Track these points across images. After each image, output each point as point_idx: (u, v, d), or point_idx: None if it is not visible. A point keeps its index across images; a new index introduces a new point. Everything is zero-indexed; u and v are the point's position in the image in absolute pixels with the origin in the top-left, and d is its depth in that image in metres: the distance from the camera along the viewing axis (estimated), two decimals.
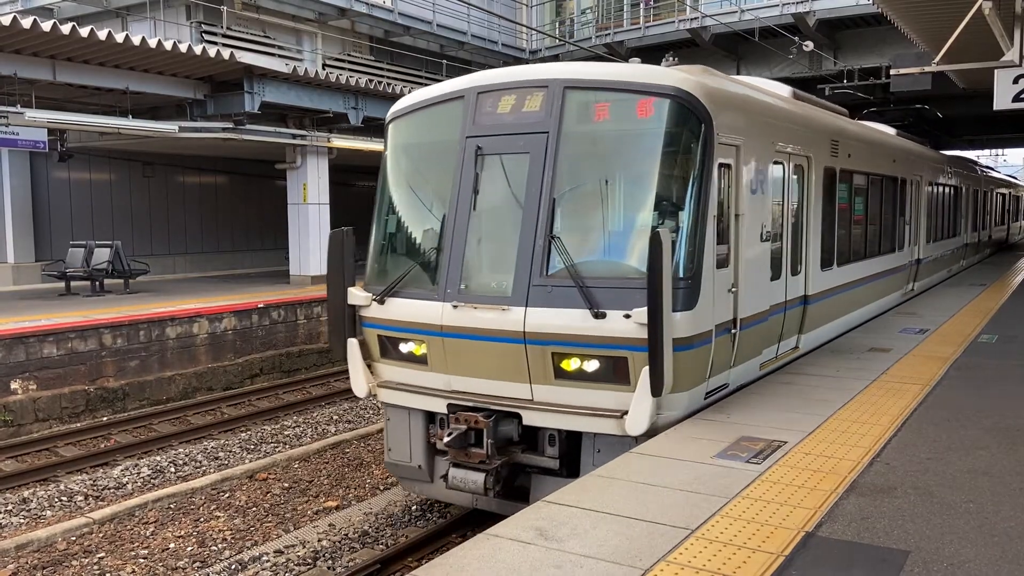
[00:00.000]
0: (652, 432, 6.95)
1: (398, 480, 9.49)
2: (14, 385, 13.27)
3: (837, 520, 5.24)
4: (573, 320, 7.02)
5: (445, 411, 7.86)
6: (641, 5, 29.20)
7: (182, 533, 9.32)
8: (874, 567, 4.58)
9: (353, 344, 8.38)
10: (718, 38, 26.87)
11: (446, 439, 7.51)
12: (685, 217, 7.21)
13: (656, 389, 6.69)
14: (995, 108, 11.25)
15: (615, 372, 7.07)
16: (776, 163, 9.12)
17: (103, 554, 8.82)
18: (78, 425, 13.72)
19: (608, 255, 7.41)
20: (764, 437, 6.98)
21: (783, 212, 9.48)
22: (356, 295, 8.23)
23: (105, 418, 14.07)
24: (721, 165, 7.63)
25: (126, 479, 11.23)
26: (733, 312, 7.98)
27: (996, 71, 11.17)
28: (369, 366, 8.49)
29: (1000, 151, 62.35)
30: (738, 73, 25.33)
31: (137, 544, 9.08)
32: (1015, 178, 45.65)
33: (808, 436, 7.03)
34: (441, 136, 8.08)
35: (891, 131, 16.91)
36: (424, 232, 8.21)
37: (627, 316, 6.82)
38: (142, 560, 8.70)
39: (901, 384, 8.97)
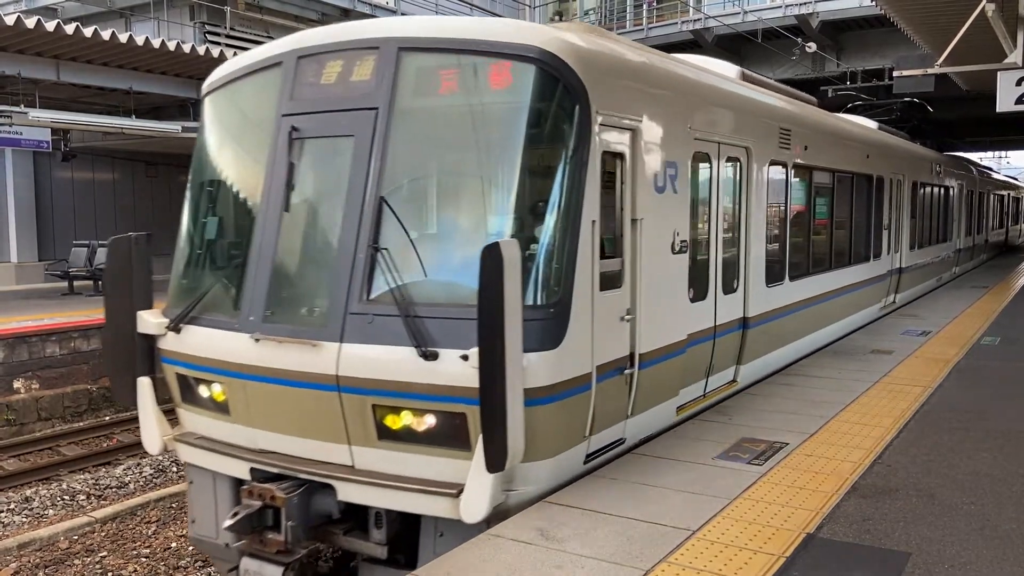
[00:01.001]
0: (502, 514, 5.33)
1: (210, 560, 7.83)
2: (17, 384, 13.31)
3: (838, 521, 5.24)
4: (398, 362, 5.29)
5: (249, 477, 5.99)
6: (644, 6, 29.23)
7: (184, 532, 9.33)
8: (875, 569, 4.58)
9: (144, 385, 6.42)
10: (721, 39, 26.87)
11: (228, 522, 5.71)
12: (548, 223, 5.52)
13: (494, 462, 4.89)
14: (998, 110, 11.25)
15: (452, 432, 5.32)
16: (699, 155, 7.49)
17: (105, 553, 8.84)
18: (80, 424, 13.75)
19: (445, 274, 5.66)
20: (765, 438, 6.98)
21: (710, 216, 7.85)
22: (147, 321, 6.33)
23: (108, 417, 14.09)
24: (608, 154, 6.03)
25: (128, 478, 11.25)
26: (630, 345, 6.32)
27: (999, 73, 11.17)
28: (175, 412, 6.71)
29: (1003, 153, 62.30)
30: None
31: (139, 543, 9.09)
32: (1015, 179, 45.12)
33: (810, 437, 7.03)
34: (257, 114, 6.37)
35: (871, 124, 15.42)
36: (232, 240, 6.43)
37: (464, 357, 5.05)
38: (144, 559, 8.71)
39: (903, 386, 8.97)
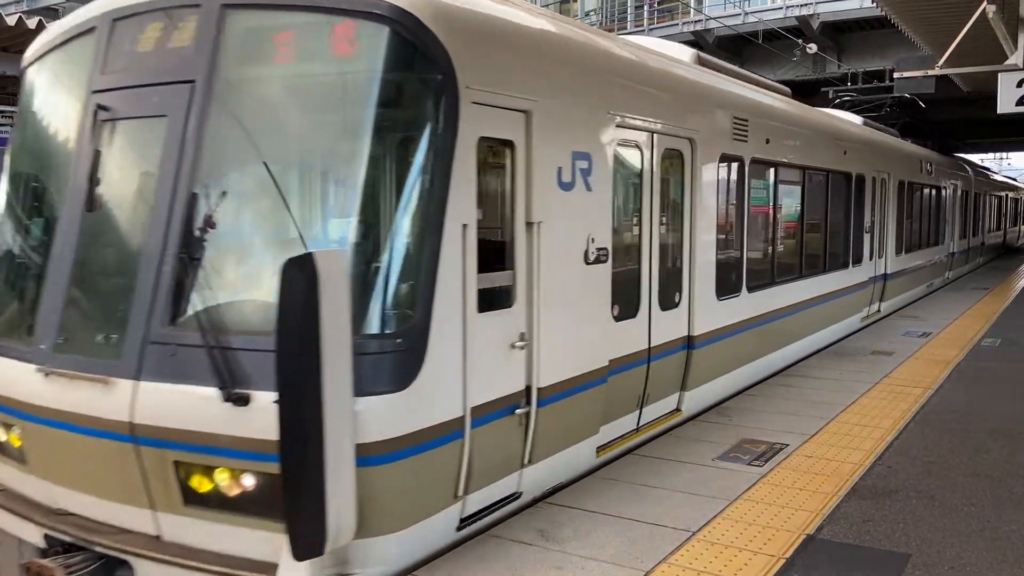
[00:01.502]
0: None
1: None
2: None
3: (838, 522, 5.24)
4: (203, 406, 4.16)
5: (44, 544, 4.76)
6: (645, 7, 29.27)
7: None
8: (875, 569, 4.59)
9: None
10: (722, 40, 26.87)
11: None
12: (400, 227, 4.42)
13: (304, 546, 3.81)
14: (998, 111, 11.26)
15: (270, 499, 4.08)
16: (625, 145, 6.40)
17: None
18: None
19: (264, 292, 4.31)
20: (766, 439, 6.98)
21: (642, 219, 6.72)
22: None
23: None
24: (489, 142, 4.93)
25: None
26: (525, 378, 5.21)
27: (999, 75, 11.17)
28: None
29: (1004, 154, 62.32)
30: None
31: None
32: (1014, 180, 44.84)
33: (810, 439, 7.03)
34: (70, 92, 5.20)
35: (856, 119, 14.53)
36: (33, 246, 5.24)
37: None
38: None
39: (903, 387, 8.97)
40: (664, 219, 7.08)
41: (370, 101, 4.43)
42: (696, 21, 27.25)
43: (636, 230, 6.73)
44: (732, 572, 4.55)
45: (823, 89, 23.98)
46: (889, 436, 7.12)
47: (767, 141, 8.94)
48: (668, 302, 7.14)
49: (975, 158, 39.74)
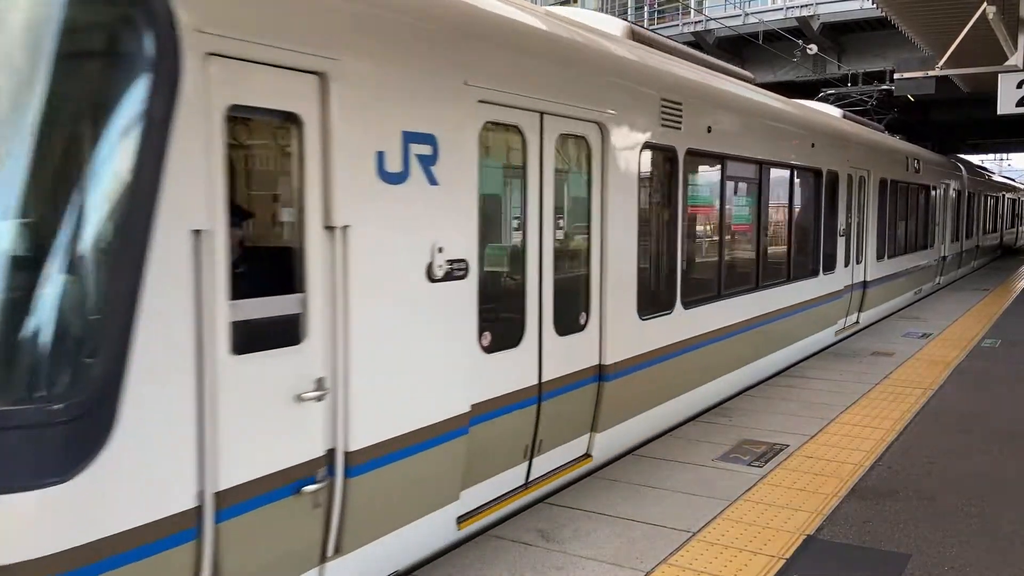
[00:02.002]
0: None
1: None
2: None
3: (838, 523, 5.24)
4: None
5: None
6: (645, 8, 29.28)
7: None
8: (875, 570, 4.59)
9: None
10: (722, 41, 26.88)
11: None
12: (69, 231, 2.99)
13: None
14: (998, 112, 11.27)
15: None
16: (494, 128, 5.06)
17: None
18: None
19: None
20: (766, 440, 6.99)
21: (526, 221, 5.32)
22: None
23: None
24: (247, 112, 3.55)
25: None
26: (326, 440, 3.85)
27: (999, 76, 11.19)
28: None
29: (1005, 155, 62.34)
30: None
31: None
32: (1012, 180, 44.49)
33: (810, 439, 7.04)
34: None
35: (835, 112, 13.37)
36: None
37: None
38: None
39: (904, 388, 8.97)
40: (562, 222, 5.78)
41: (45, 45, 3.00)
42: (696, 22, 27.26)
43: (517, 235, 5.39)
44: (732, 572, 4.55)
45: (823, 90, 24.02)
46: (889, 437, 7.12)
47: (709, 130, 7.55)
48: (569, 325, 5.69)
49: (975, 159, 39.71)
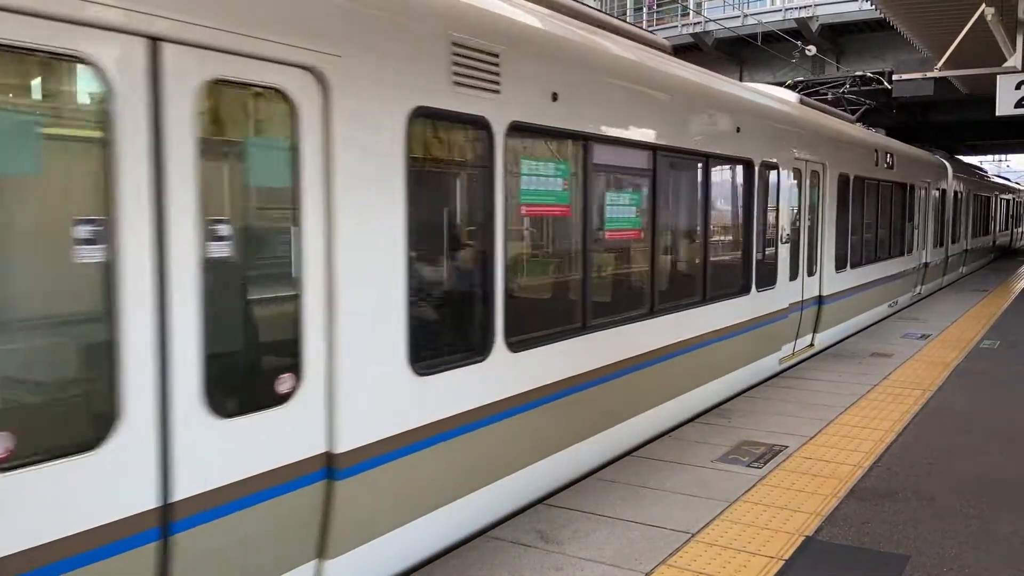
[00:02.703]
0: None
1: None
2: None
3: (837, 524, 5.24)
4: None
5: None
6: (644, 9, 29.30)
7: None
8: (874, 571, 4.59)
9: None
10: (721, 43, 26.91)
11: None
12: None
13: None
14: (997, 114, 11.30)
15: None
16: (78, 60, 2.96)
17: None
18: None
19: None
20: (765, 441, 6.99)
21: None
22: None
23: None
24: None
25: None
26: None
27: (998, 77, 11.21)
28: None
29: (1003, 157, 62.39)
30: (741, 78, 25.38)
31: None
32: (1008, 180, 43.99)
33: (809, 440, 7.04)
34: None
35: (790, 96, 11.27)
36: None
37: None
38: None
39: (903, 389, 8.98)
40: (223, 227, 3.52)
41: None
42: (695, 23, 27.29)
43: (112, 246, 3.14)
44: (731, 573, 4.55)
45: (823, 90, 24.03)
46: (888, 438, 7.12)
47: (554, 97, 5.47)
48: (250, 397, 3.66)
49: (975, 160, 39.65)
